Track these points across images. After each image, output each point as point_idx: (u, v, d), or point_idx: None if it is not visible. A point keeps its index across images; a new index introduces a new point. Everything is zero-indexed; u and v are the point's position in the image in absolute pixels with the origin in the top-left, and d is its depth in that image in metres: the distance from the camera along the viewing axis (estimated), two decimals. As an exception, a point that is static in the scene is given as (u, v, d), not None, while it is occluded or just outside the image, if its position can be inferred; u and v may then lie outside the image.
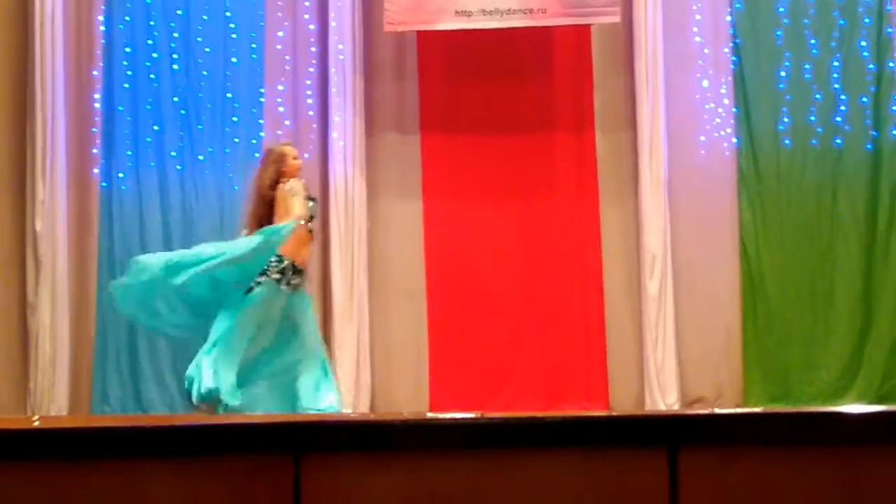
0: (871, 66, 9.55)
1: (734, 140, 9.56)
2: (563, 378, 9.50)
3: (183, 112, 9.66)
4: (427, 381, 9.55)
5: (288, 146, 7.91)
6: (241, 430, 2.62)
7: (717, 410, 4.61)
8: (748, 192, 9.56)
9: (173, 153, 9.63)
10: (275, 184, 7.55)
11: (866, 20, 9.57)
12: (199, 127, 9.65)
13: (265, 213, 7.53)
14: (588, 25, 9.51)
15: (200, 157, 9.63)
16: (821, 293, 9.46)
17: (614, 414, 4.12)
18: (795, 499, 2.57)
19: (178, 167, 9.62)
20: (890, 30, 9.54)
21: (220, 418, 5.86)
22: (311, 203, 7.64)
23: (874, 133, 9.50)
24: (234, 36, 9.71)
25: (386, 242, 9.70)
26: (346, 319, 9.39)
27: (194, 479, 2.56)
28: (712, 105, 9.59)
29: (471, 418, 2.79)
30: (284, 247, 7.37)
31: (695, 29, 9.63)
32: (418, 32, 9.58)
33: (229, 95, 9.67)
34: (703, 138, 9.57)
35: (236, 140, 9.65)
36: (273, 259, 7.35)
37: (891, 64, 9.53)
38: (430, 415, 5.71)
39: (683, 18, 9.60)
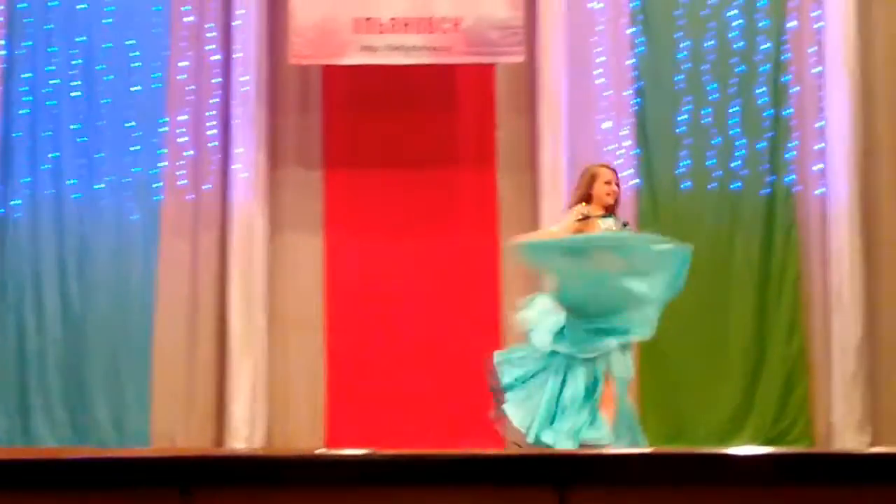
0: (768, 112, 9.73)
1: (635, 181, 9.67)
2: (461, 415, 9.49)
3: (82, 140, 9.53)
4: (323, 416, 9.49)
5: (604, 168, 7.28)
6: (128, 464, 2.58)
7: (605, 451, 4.64)
8: (647, 233, 9.64)
9: (71, 181, 9.49)
10: (576, 203, 7.09)
11: (764, 68, 9.75)
12: (99, 155, 9.52)
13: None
14: (492, 64, 9.58)
15: (99, 186, 9.50)
16: (715, 335, 9.56)
17: (504, 453, 4.12)
18: (680, 539, 2.59)
19: (76, 196, 9.48)
20: (786, 77, 9.73)
21: (108, 452, 5.76)
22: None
23: (770, 178, 9.67)
24: (136, 64, 9.60)
25: (286, 275, 9.64)
26: (244, 352, 9.31)
27: (77, 514, 2.51)
28: (614, 146, 9.68)
29: (361, 455, 2.78)
30: None
31: (597, 71, 9.73)
32: (324, 66, 9.57)
33: (130, 124, 9.56)
34: (603, 179, 9.65)
35: (136, 170, 9.53)
36: None
37: (787, 111, 9.72)
38: (320, 451, 5.66)
39: (586, 60, 9.69)
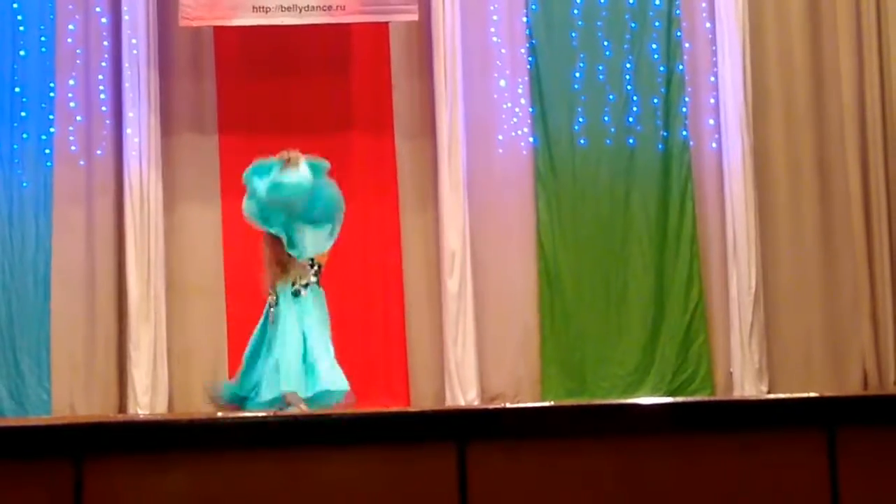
0: (661, 68, 9.81)
1: (531, 139, 9.70)
2: (364, 376, 9.46)
3: (-31, 107, 9.31)
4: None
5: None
6: (18, 434, 2.52)
7: (505, 405, 4.67)
8: (545, 190, 9.70)
9: (-42, 149, 9.28)
10: None
11: (657, 24, 9.82)
12: (-14, 121, 9.32)
13: None
14: (386, 23, 9.52)
15: (-13, 153, 9.30)
16: (615, 290, 9.66)
17: (405, 411, 4.13)
18: (579, 489, 2.61)
19: (-37, 164, 9.28)
20: (679, 33, 9.82)
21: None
22: None
23: (664, 133, 9.76)
24: (21, 28, 9.39)
25: (184, 241, 9.53)
26: (143, 319, 9.20)
27: (-33, 486, 2.46)
28: (509, 105, 9.70)
29: (260, 417, 2.76)
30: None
31: (492, 29, 9.73)
32: (215, 28, 9.43)
33: (17, 90, 9.35)
34: (500, 137, 9.68)
35: (25, 136, 9.33)
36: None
37: (680, 67, 9.81)
38: (219, 414, 5.63)
39: (480, 18, 9.69)
